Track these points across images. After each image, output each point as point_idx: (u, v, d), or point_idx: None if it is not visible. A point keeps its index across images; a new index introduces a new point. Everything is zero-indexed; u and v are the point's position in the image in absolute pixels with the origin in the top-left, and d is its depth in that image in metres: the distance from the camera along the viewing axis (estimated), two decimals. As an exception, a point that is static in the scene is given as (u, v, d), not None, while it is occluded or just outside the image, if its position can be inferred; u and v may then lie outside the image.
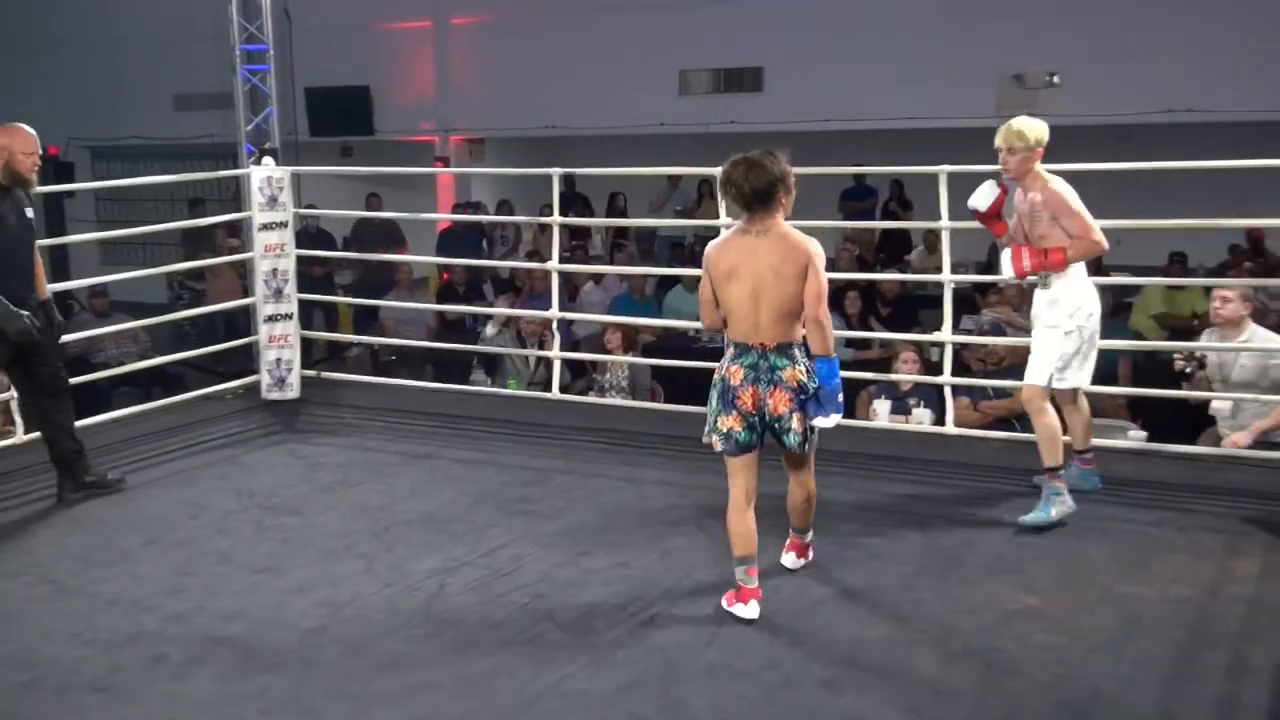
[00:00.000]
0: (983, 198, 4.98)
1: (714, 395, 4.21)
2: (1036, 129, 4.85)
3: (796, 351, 4.13)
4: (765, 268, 4.05)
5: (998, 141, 4.89)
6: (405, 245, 12.59)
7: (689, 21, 13.31)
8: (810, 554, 4.58)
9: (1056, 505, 4.89)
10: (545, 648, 3.90)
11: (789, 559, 4.54)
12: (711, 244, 4.24)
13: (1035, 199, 4.89)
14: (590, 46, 13.87)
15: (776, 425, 4.13)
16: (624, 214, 13.93)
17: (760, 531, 4.16)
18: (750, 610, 4.08)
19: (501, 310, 9.42)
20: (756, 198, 4.06)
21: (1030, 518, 4.88)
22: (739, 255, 4.10)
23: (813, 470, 4.38)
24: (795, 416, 4.11)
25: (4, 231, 5.25)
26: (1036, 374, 4.96)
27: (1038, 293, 5.01)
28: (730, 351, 4.18)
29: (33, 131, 5.32)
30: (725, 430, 4.15)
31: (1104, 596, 4.22)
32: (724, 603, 4.17)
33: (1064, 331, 4.90)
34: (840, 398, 4.13)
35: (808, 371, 4.12)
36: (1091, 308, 4.93)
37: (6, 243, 5.26)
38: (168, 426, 6.77)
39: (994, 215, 5.03)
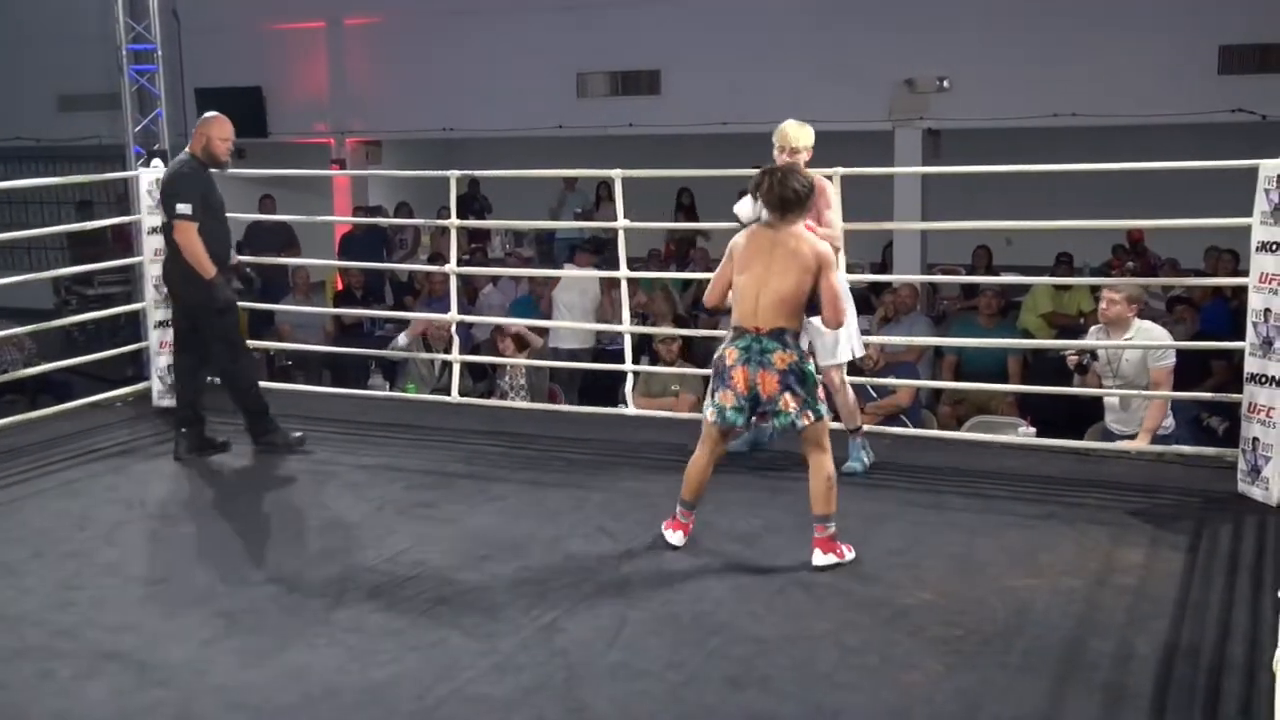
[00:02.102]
0: (746, 208, 5.27)
1: (713, 374, 4.65)
2: (810, 134, 5.44)
3: (788, 337, 4.49)
4: (774, 261, 4.49)
5: (778, 142, 5.40)
6: (299, 248, 12.38)
7: (586, 24, 13.32)
8: (842, 550, 4.53)
9: (864, 457, 5.66)
10: (448, 652, 3.87)
11: (816, 556, 4.50)
12: (738, 234, 4.70)
13: None
14: (487, 48, 13.80)
15: (769, 408, 4.49)
16: (692, 212, 13.71)
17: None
18: (676, 538, 4.70)
19: (400, 314, 9.33)
20: (777, 205, 4.54)
21: (847, 467, 5.47)
22: (757, 248, 4.56)
23: (828, 452, 4.56)
24: (784, 397, 4.46)
25: (215, 206, 6.12)
26: (834, 355, 5.54)
27: None
28: (730, 334, 4.61)
29: (228, 121, 6.19)
30: (720, 405, 4.57)
31: (995, 589, 4.32)
32: (662, 527, 4.76)
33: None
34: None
35: (799, 359, 4.50)
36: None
37: (219, 216, 6.15)
38: (54, 435, 6.58)
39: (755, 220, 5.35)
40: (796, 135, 5.42)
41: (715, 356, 4.64)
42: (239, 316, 6.44)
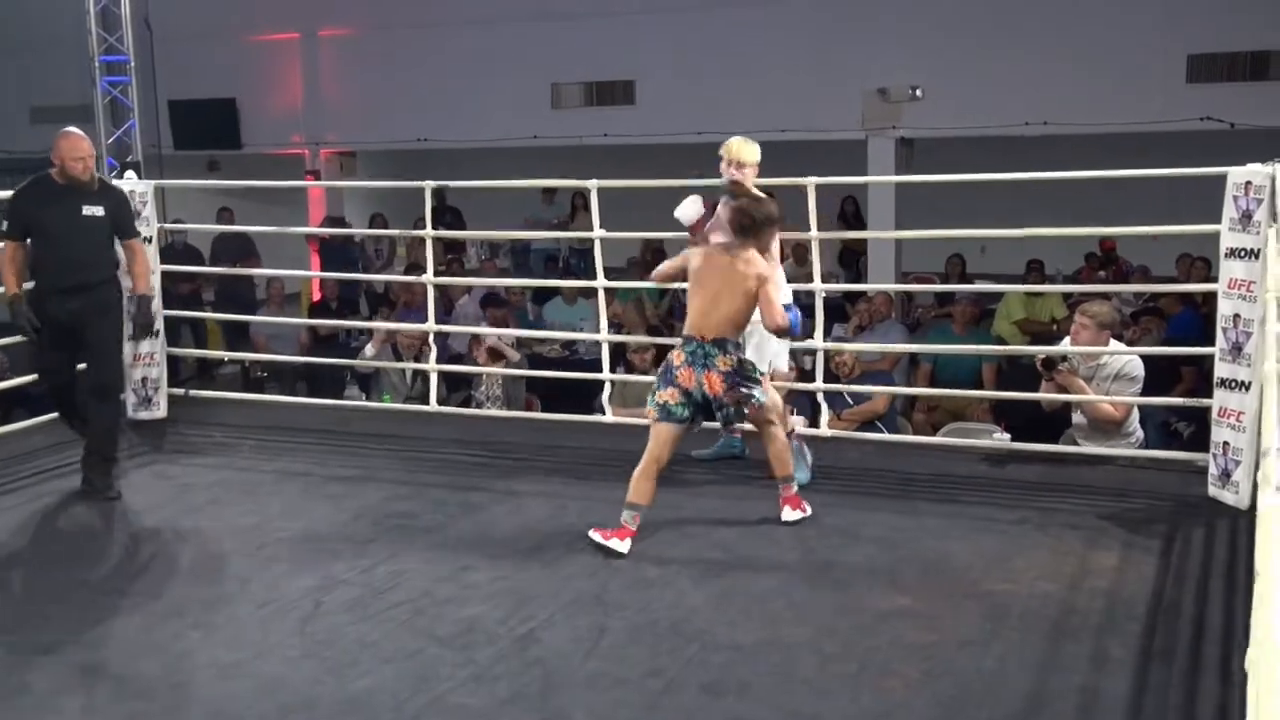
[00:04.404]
0: (689, 209, 5.49)
1: (658, 375, 5.04)
2: (756, 151, 5.59)
3: (729, 345, 4.95)
4: (725, 285, 4.94)
5: (725, 155, 5.55)
6: (258, 259, 12.29)
7: (560, 34, 13.36)
8: (805, 506, 5.14)
9: (804, 464, 5.66)
10: (425, 664, 3.86)
11: (786, 513, 5.10)
12: (694, 250, 5.16)
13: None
14: (462, 59, 13.82)
15: (713, 403, 4.92)
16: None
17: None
18: (623, 546, 4.77)
19: (378, 325, 9.31)
20: (737, 227, 5.05)
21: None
22: (712, 268, 5.00)
23: (775, 424, 5.17)
24: (731, 394, 4.90)
25: (50, 226, 5.64)
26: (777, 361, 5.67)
27: None
28: (679, 342, 5.05)
29: (81, 135, 5.68)
30: (661, 402, 4.93)
31: (971, 594, 4.34)
32: (598, 536, 4.81)
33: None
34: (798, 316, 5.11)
35: (739, 361, 4.95)
36: None
37: (54, 237, 5.65)
38: (30, 449, 6.52)
39: (701, 226, 5.54)
40: (741, 150, 5.56)
41: (665, 360, 5.07)
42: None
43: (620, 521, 4.81)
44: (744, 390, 4.94)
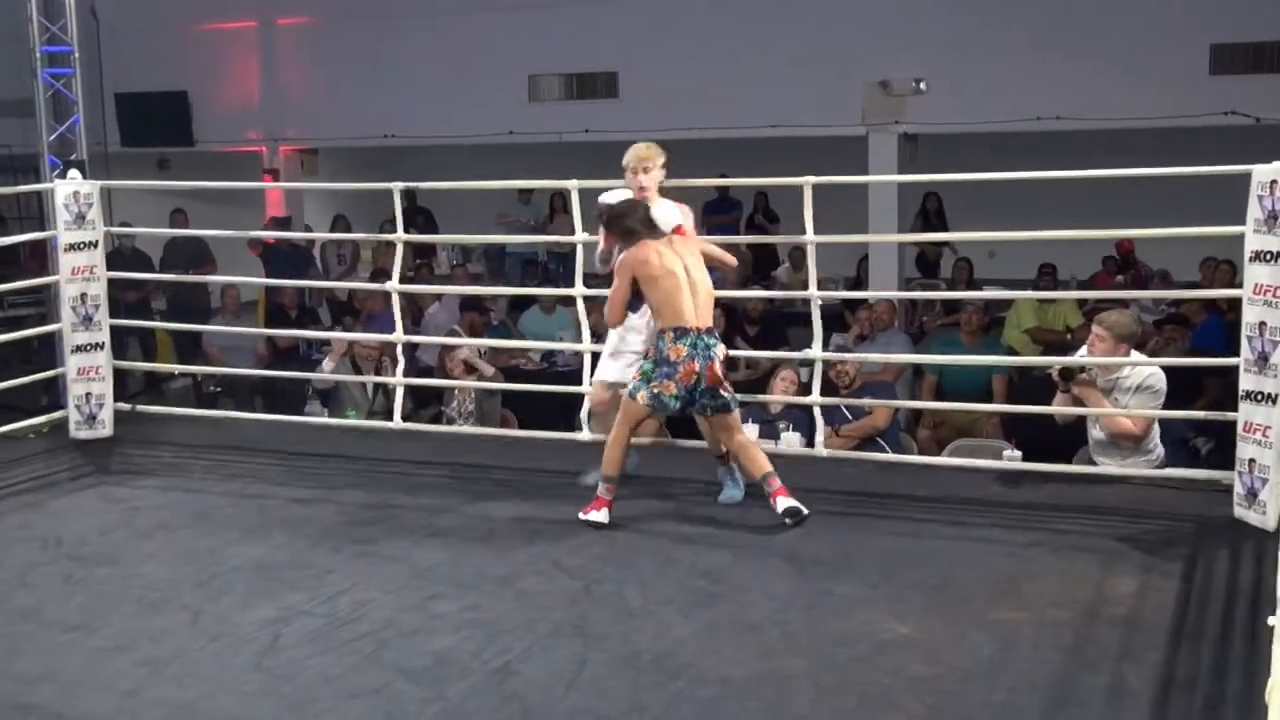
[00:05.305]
0: (674, 214, 5.64)
1: (652, 366, 5.40)
2: (659, 152, 5.80)
3: (717, 333, 5.49)
4: (689, 265, 5.44)
5: (641, 159, 5.72)
6: (214, 265, 12.30)
7: (537, 22, 13.35)
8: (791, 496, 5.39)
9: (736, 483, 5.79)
10: (392, 700, 3.86)
11: (780, 503, 5.34)
12: (632, 253, 5.46)
13: None
14: (431, 49, 13.82)
15: (703, 394, 5.37)
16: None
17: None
18: (601, 516, 5.37)
19: (339, 335, 9.31)
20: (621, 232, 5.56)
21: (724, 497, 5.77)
22: (664, 257, 5.41)
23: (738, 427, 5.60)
24: (723, 385, 5.41)
25: None
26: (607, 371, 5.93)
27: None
28: (670, 336, 5.38)
29: None
30: (656, 393, 5.35)
31: (978, 622, 4.35)
32: (580, 514, 5.40)
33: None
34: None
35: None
36: None
37: None
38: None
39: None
40: (643, 155, 5.76)
41: (657, 353, 5.39)
42: None
43: (596, 495, 5.40)
44: (725, 393, 5.43)
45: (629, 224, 5.50)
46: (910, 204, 11.97)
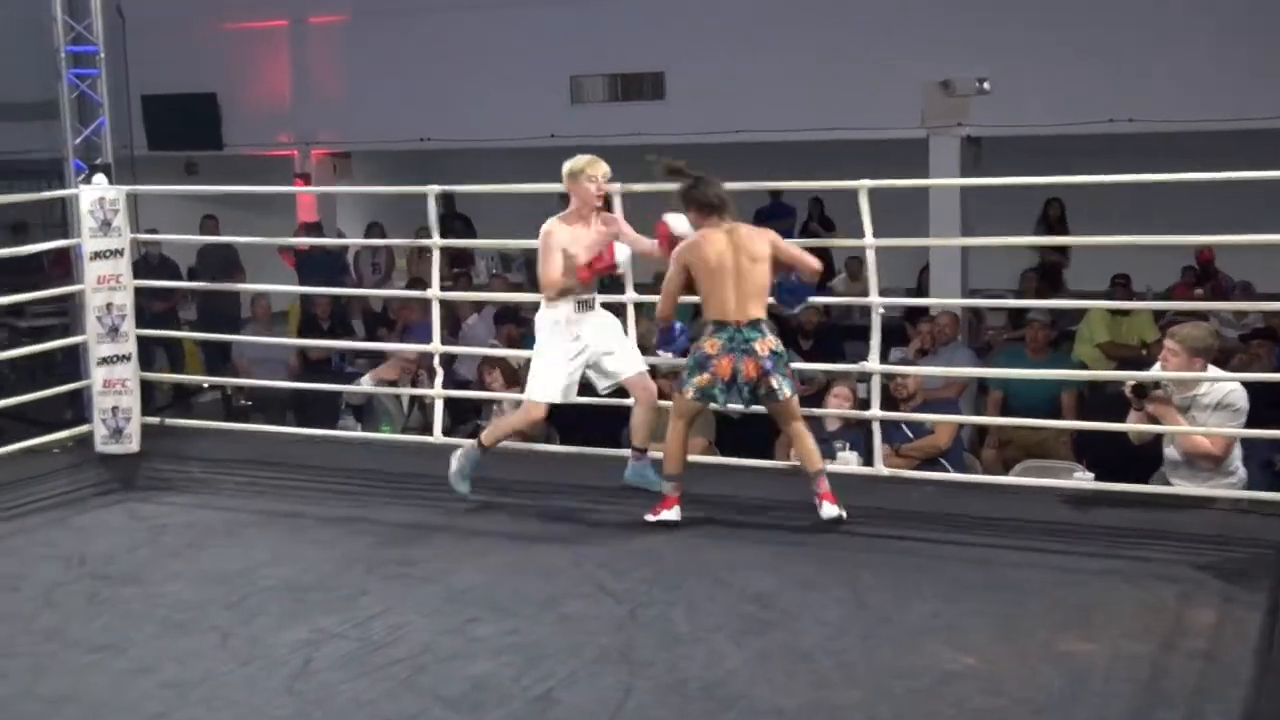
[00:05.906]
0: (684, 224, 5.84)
1: (690, 361, 5.67)
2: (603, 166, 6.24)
3: (764, 325, 5.64)
4: (741, 256, 5.65)
5: (605, 172, 6.21)
6: (243, 273, 12.39)
7: (581, 21, 13.38)
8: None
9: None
10: (427, 728, 3.89)
11: (826, 509, 5.57)
12: (686, 245, 5.71)
13: (601, 228, 6.14)
14: (470, 49, 13.87)
15: (743, 388, 5.56)
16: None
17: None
18: (673, 514, 5.66)
19: (375, 346, 9.37)
20: (700, 210, 5.75)
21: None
22: (717, 248, 5.63)
23: (799, 419, 5.73)
24: (768, 380, 5.57)
25: None
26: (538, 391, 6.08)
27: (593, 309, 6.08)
28: (709, 329, 5.64)
29: None
30: (699, 385, 5.59)
31: (1046, 654, 4.33)
32: (651, 517, 5.66)
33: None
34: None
35: (777, 342, 5.70)
36: None
37: None
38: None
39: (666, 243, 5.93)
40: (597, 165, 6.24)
41: (694, 349, 5.66)
42: None
43: (664, 494, 5.70)
44: (773, 382, 5.56)
45: (710, 195, 5.67)
46: (973, 211, 11.89)
